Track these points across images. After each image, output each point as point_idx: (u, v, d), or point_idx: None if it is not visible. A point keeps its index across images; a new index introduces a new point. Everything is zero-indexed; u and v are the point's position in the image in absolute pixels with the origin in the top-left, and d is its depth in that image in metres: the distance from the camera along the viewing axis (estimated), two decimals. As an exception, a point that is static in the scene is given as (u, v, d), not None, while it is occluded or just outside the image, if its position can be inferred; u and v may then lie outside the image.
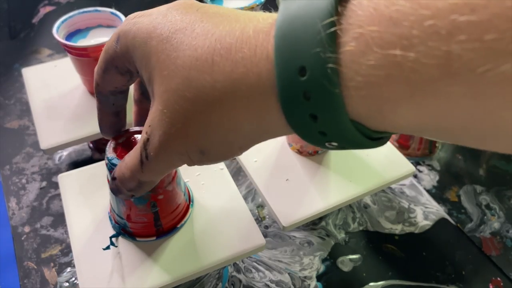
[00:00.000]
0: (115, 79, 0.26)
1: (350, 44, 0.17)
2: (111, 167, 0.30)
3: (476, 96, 0.15)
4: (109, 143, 0.32)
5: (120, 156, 0.31)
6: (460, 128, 0.16)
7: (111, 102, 0.28)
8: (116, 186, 0.28)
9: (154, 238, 0.35)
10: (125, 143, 0.32)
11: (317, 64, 0.18)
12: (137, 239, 0.35)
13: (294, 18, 0.18)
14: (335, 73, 0.17)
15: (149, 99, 0.31)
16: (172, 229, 0.36)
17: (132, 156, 0.26)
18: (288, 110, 0.20)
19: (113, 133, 0.32)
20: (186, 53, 0.21)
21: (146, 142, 0.24)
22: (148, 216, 0.34)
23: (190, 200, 0.38)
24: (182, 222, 0.36)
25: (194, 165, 0.24)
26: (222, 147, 0.23)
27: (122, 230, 0.35)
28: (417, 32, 0.15)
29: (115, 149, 0.31)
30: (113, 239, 0.35)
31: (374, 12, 0.16)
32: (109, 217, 0.37)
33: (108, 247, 0.35)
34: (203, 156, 0.23)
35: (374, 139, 0.20)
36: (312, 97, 0.18)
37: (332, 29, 0.17)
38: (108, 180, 0.32)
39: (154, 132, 0.23)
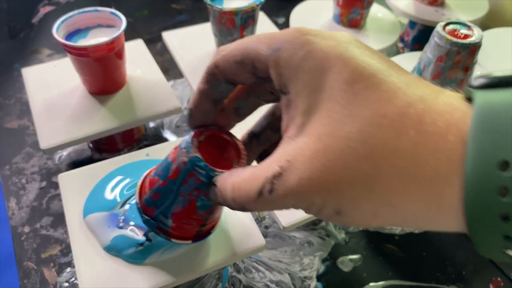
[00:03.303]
0: (244, 74, 0.24)
1: None
2: (193, 168, 0.27)
3: None
4: (188, 139, 0.27)
5: (204, 159, 0.27)
6: None
7: (219, 90, 0.26)
8: (216, 195, 0.26)
9: (190, 242, 0.33)
10: (205, 143, 0.28)
11: None
12: (172, 240, 0.32)
13: (500, 107, 0.17)
14: None
15: (240, 116, 0.28)
16: (206, 234, 0.33)
17: (250, 182, 0.22)
18: (472, 203, 0.17)
19: (198, 124, 0.28)
20: (369, 105, 0.19)
21: (278, 176, 0.21)
22: (199, 220, 0.31)
23: None
24: (215, 228, 0.34)
25: (315, 216, 0.22)
26: (365, 218, 0.20)
27: (157, 228, 0.32)
28: None
29: (198, 148, 0.27)
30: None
31: None
32: (138, 209, 0.32)
33: (143, 243, 0.33)
34: (336, 216, 0.20)
35: None
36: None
37: None
38: (163, 178, 0.29)
39: (294, 170, 0.20)
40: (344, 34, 0.22)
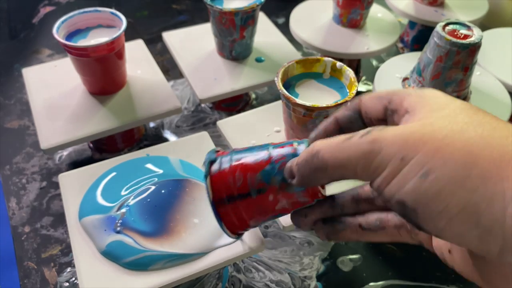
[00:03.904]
0: (378, 107, 0.27)
1: None
2: (299, 142, 0.29)
3: None
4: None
5: None
6: None
7: (350, 119, 0.29)
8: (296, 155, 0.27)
9: (236, 237, 0.30)
10: None
11: None
12: (223, 226, 0.30)
13: None
14: None
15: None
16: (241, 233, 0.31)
17: (344, 135, 0.24)
18: None
19: (316, 139, 0.29)
20: (487, 116, 0.22)
21: (378, 129, 0.23)
22: (245, 187, 0.29)
23: None
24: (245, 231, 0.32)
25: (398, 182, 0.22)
26: (434, 221, 0.20)
27: (210, 164, 0.30)
28: None
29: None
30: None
31: None
32: (211, 151, 0.31)
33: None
34: (420, 179, 0.21)
35: None
36: None
37: None
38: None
39: (383, 137, 0.22)
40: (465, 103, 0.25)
